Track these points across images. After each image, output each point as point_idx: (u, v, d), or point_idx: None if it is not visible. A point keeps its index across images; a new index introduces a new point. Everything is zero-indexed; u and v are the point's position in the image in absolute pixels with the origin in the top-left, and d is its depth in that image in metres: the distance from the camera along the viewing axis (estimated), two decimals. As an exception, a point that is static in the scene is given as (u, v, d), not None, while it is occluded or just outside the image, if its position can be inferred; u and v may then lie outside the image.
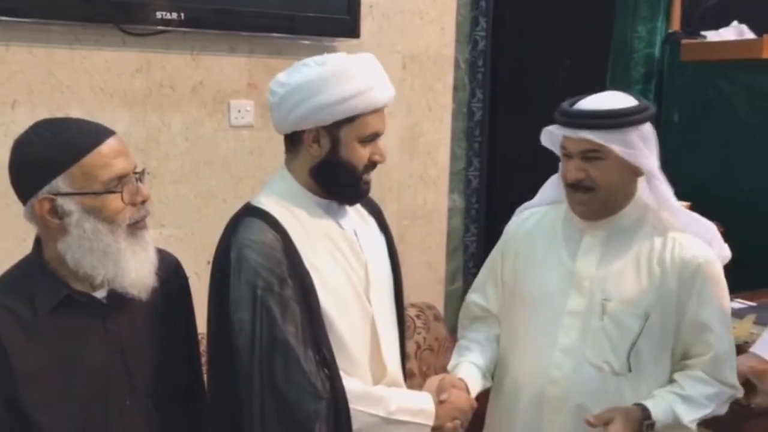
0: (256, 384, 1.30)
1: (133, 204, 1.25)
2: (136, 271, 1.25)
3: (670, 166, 3.34)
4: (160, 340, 1.35)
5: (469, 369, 1.61)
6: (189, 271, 2.26)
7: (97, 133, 1.23)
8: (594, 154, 1.45)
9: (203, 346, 2.20)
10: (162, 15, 2.03)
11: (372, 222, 1.55)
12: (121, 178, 1.23)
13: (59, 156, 1.19)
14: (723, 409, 1.50)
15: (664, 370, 1.51)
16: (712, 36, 3.08)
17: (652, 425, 1.43)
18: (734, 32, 3.02)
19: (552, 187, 1.66)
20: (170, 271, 1.40)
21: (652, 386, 1.49)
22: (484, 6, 2.75)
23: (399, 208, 2.67)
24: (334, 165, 1.37)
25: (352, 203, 1.47)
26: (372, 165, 1.40)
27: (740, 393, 1.51)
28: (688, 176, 3.26)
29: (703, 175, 3.21)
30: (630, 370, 1.47)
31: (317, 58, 1.36)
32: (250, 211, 1.38)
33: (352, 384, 1.36)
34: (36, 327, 1.22)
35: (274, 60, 2.33)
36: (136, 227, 1.26)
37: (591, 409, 1.45)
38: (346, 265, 1.41)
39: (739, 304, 2.29)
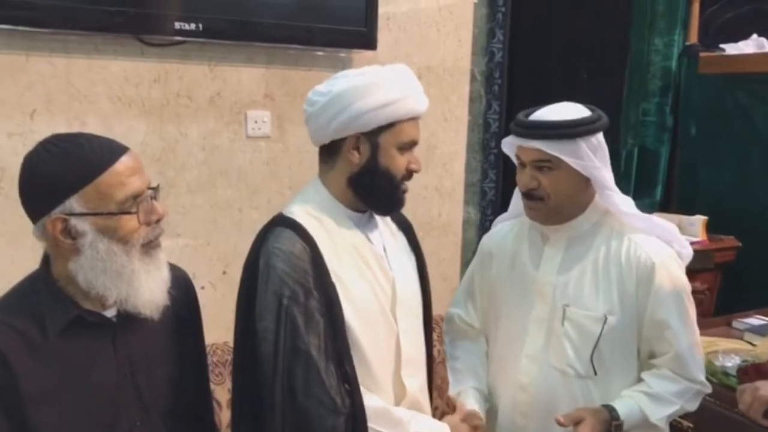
0: (278, 395, 1.30)
1: (148, 223, 1.22)
2: (150, 292, 1.23)
3: (687, 179, 3.35)
4: (170, 358, 1.33)
5: (474, 396, 1.63)
6: (204, 281, 2.29)
7: (111, 151, 1.19)
8: (545, 164, 1.47)
9: (216, 358, 2.22)
10: (180, 26, 2.04)
11: (402, 238, 1.54)
12: (137, 197, 1.19)
13: (73, 175, 1.15)
14: (693, 406, 1.52)
15: (631, 370, 1.52)
16: (730, 49, 3.06)
17: (620, 425, 1.45)
18: (754, 45, 3.00)
19: (518, 199, 1.68)
20: (180, 286, 1.37)
21: (620, 387, 1.51)
22: (501, 18, 2.75)
23: (414, 220, 2.61)
24: (374, 173, 1.38)
25: (389, 213, 1.48)
26: (408, 174, 1.41)
27: (708, 389, 1.53)
28: (706, 189, 3.24)
29: (721, 189, 3.18)
30: (595, 373, 1.49)
31: (355, 69, 1.39)
32: (281, 221, 1.39)
33: (372, 401, 1.35)
34: (45, 348, 1.19)
35: (291, 71, 2.33)
36: (150, 246, 1.23)
37: (560, 412, 1.46)
38: (373, 280, 1.40)
39: (760, 320, 2.25)
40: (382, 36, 2.42)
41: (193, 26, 2.05)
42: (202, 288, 2.28)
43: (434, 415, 2.36)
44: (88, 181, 1.16)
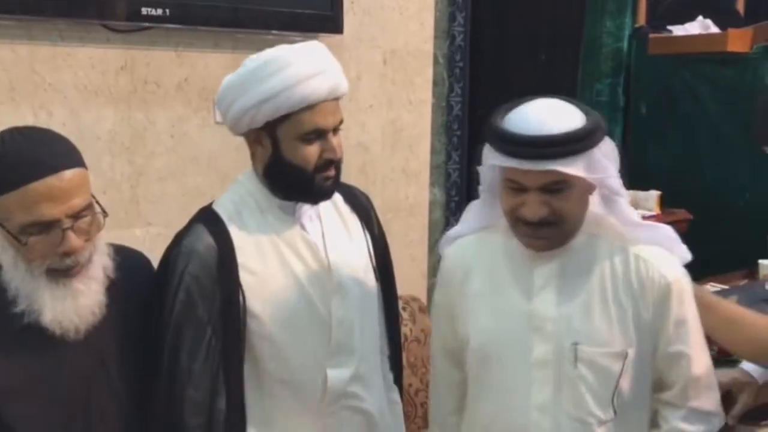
0: (160, 389, 1.32)
1: (57, 254, 1.15)
2: (53, 313, 1.17)
3: (639, 156, 3.50)
4: (138, 345, 1.32)
5: None
6: (177, 269, 2.27)
7: (36, 168, 1.12)
8: (558, 186, 1.21)
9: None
10: (147, 11, 2.01)
11: (354, 222, 1.48)
12: (47, 224, 1.12)
13: None
14: None
15: (645, 402, 1.35)
16: (677, 30, 3.19)
17: None
18: (699, 26, 3.13)
19: (479, 213, 1.42)
20: (141, 273, 1.37)
21: (638, 422, 1.34)
22: (461, 2, 2.80)
23: (382, 202, 2.69)
24: (281, 165, 1.32)
25: (313, 203, 1.39)
26: (327, 162, 1.33)
27: (723, 420, 1.37)
28: (657, 166, 3.39)
29: (671, 165, 3.33)
30: (615, 414, 1.29)
31: (255, 55, 1.31)
32: (201, 216, 1.38)
33: None
34: (12, 341, 1.17)
35: (258, 56, 2.32)
36: (58, 275, 1.17)
37: None
38: (303, 271, 1.36)
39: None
40: (348, 19, 2.43)
41: (159, 11, 2.02)
42: (175, 276, 2.26)
43: (408, 393, 2.43)
44: None
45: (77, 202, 1.15)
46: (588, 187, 1.26)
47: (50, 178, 1.12)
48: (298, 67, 1.28)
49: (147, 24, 2.05)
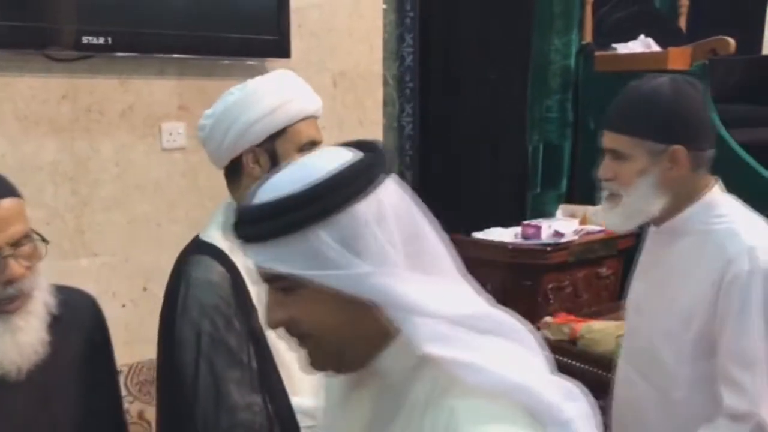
0: (200, 425, 1.30)
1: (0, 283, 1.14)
2: None
3: (587, 171, 3.54)
4: (85, 385, 1.30)
5: None
6: (125, 299, 2.25)
7: None
8: (282, 284, 0.82)
9: (143, 377, 2.19)
10: (88, 40, 1.99)
11: None
12: None
13: None
14: None
15: None
16: (621, 48, 3.27)
17: None
18: (641, 45, 3.22)
19: None
20: (87, 312, 1.35)
21: None
22: (409, 23, 2.83)
23: (335, 224, 2.71)
24: None
25: None
26: None
27: None
28: (606, 180, 3.47)
29: (619, 179, 3.41)
30: None
31: (239, 85, 1.39)
32: (199, 247, 1.38)
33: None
34: None
35: (205, 82, 2.32)
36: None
37: None
38: None
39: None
40: (295, 43, 2.44)
41: (101, 40, 2.01)
42: (123, 306, 2.24)
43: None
44: None
45: (16, 229, 1.16)
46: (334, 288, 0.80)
47: None
48: (292, 85, 1.40)
49: (89, 53, 2.03)
